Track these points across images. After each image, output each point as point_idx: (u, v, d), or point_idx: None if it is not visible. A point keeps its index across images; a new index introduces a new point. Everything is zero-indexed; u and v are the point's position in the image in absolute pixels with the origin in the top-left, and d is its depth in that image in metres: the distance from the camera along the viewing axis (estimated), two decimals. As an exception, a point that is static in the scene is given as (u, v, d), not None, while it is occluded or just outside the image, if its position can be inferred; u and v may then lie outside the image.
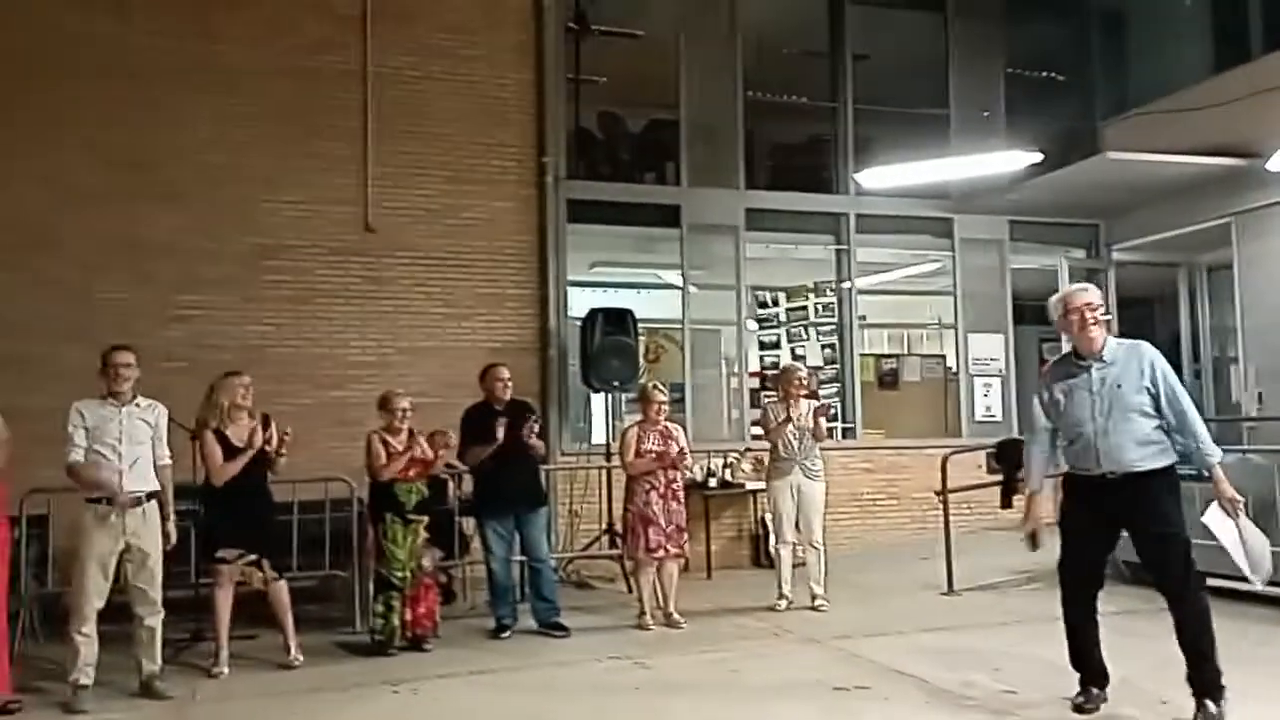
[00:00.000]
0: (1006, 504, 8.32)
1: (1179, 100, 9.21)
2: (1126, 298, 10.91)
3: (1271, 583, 6.46)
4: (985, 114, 10.74)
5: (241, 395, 5.75)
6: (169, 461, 5.45)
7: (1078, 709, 4.46)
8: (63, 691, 5.12)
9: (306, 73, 8.75)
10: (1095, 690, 4.50)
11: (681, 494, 6.80)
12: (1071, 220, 10.77)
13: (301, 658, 5.76)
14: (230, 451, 5.66)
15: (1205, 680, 4.16)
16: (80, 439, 5.13)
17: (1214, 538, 4.46)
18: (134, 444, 5.21)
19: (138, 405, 5.31)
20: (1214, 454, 4.27)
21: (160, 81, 8.36)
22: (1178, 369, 11.34)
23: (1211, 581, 6.98)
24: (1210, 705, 4.13)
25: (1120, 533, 4.46)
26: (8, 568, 5.12)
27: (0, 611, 4.97)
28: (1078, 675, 4.57)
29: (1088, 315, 4.27)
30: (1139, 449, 4.23)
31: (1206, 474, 4.33)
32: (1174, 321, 11.26)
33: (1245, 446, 7.72)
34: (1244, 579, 4.80)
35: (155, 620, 5.30)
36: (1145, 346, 4.40)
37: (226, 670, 5.59)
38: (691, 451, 9.15)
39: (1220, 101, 8.64)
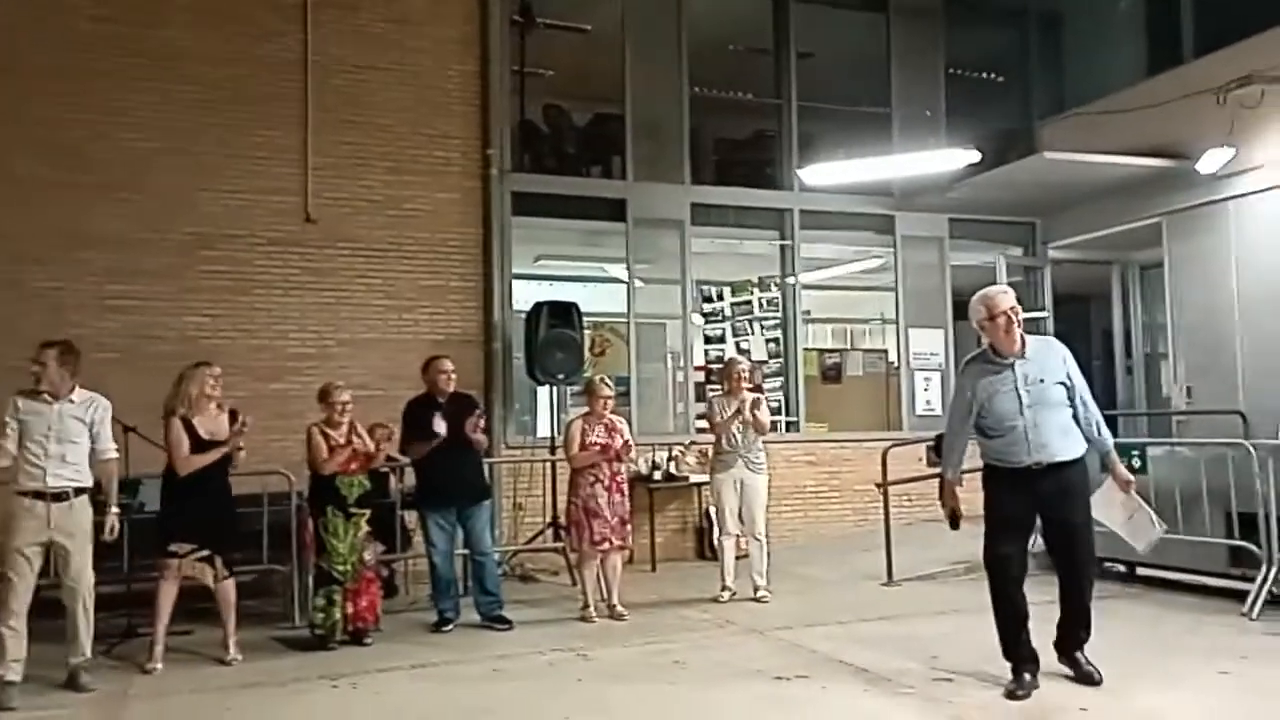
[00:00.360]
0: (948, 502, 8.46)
1: (1113, 102, 9.48)
2: (1062, 295, 11.18)
3: (1193, 571, 6.74)
4: (927, 113, 10.91)
5: (210, 385, 5.67)
6: (113, 455, 5.37)
7: (1011, 695, 4.56)
8: None
9: (248, 60, 8.59)
10: (1028, 676, 4.62)
11: (625, 487, 6.81)
12: (1009, 219, 10.98)
13: (240, 656, 5.66)
14: (197, 443, 5.57)
15: (1084, 639, 4.72)
16: (12, 431, 5.08)
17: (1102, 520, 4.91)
18: (63, 441, 5.13)
19: (72, 401, 5.22)
20: (1110, 439, 4.78)
21: (101, 67, 8.18)
22: (1111, 364, 11.75)
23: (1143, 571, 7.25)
24: (1085, 655, 4.71)
25: (1037, 520, 4.78)
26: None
27: None
28: (1009, 664, 4.68)
29: (1012, 318, 4.53)
30: (1062, 439, 4.58)
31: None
32: (1107, 318, 11.55)
33: (1174, 440, 7.94)
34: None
35: (81, 613, 5.17)
36: (1056, 343, 4.79)
37: (161, 665, 5.48)
38: (636, 444, 9.23)
39: (1153, 103, 8.91)
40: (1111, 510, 4.90)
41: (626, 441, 6.80)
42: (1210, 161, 8.64)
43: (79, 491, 5.18)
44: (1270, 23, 8.38)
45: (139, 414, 5.87)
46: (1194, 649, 5.34)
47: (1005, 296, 4.60)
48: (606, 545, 6.65)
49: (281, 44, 8.69)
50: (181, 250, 8.32)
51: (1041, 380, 4.55)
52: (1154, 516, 4.97)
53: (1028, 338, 4.64)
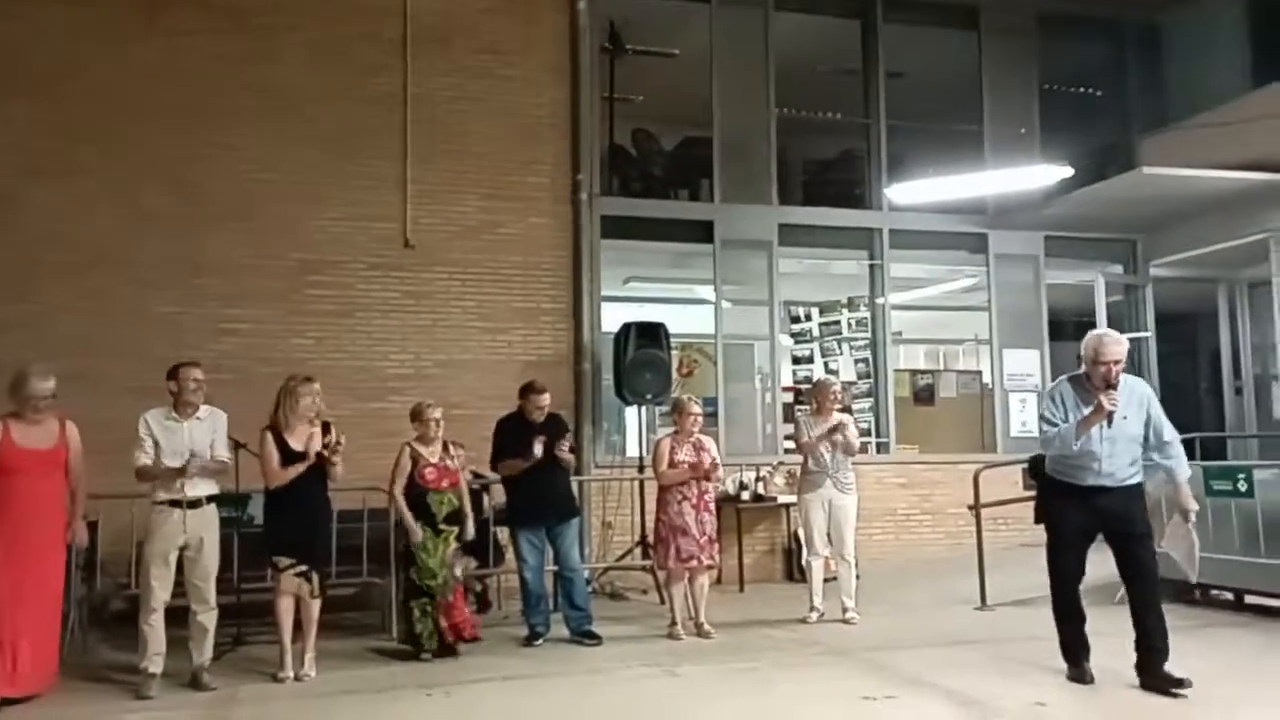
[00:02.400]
0: (1041, 519, 8.27)
1: (1216, 115, 9.20)
2: (1165, 314, 10.84)
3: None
4: (1022, 130, 10.74)
5: (308, 402, 5.84)
6: (225, 458, 5.73)
7: (1078, 679, 5.14)
8: (108, 688, 5.38)
9: (353, 94, 8.98)
10: (1088, 664, 5.19)
11: (713, 505, 6.86)
12: (1108, 236, 10.72)
13: (313, 672, 5.74)
14: (289, 457, 5.77)
15: (1164, 653, 4.98)
16: (149, 447, 5.50)
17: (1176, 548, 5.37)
18: (196, 455, 5.54)
19: (199, 419, 5.64)
20: (1186, 471, 5.27)
21: (218, 104, 8.65)
22: (1218, 386, 11.31)
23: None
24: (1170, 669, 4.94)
25: (1098, 533, 5.17)
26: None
27: (56, 610, 5.29)
28: (1068, 658, 5.26)
29: (1114, 370, 4.94)
30: (1130, 468, 5.09)
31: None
32: (1214, 338, 11.14)
33: (1284, 462, 7.65)
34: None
35: (207, 616, 5.58)
36: (1142, 384, 5.23)
37: (291, 674, 5.67)
38: (724, 464, 9.28)
39: (1257, 116, 8.62)
40: (1177, 541, 5.34)
41: (714, 460, 6.86)
42: (1321, 174, 8.34)
43: (210, 499, 5.60)
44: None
45: (250, 433, 6.14)
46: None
47: (1118, 348, 4.99)
48: (694, 563, 6.69)
49: (383, 78, 9.06)
50: (289, 276, 8.72)
51: (1125, 418, 4.98)
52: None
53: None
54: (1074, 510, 5.12)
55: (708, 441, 6.96)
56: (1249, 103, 9.00)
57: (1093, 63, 11.44)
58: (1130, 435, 5.03)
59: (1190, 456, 9.00)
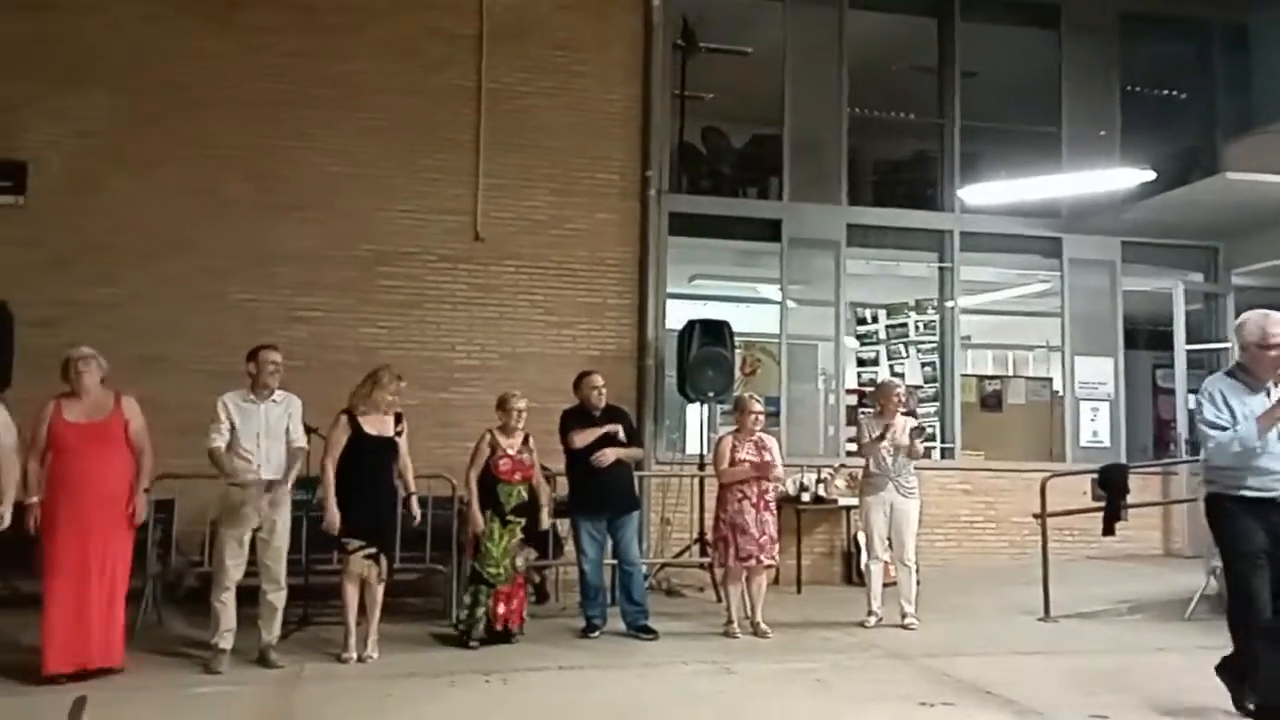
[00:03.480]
0: (1109, 531, 8.10)
1: (1306, 119, 8.89)
2: (1247, 324, 10.48)
3: None
4: (1101, 132, 10.50)
5: (392, 391, 6.04)
6: (303, 444, 5.88)
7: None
8: (180, 662, 5.61)
9: (426, 88, 9.14)
10: None
11: (773, 505, 6.84)
12: (1189, 242, 10.43)
13: (375, 654, 5.87)
14: (364, 440, 5.92)
15: None
16: (224, 429, 5.66)
17: None
18: (272, 439, 5.72)
19: (274, 401, 5.79)
20: None
21: (294, 97, 8.88)
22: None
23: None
24: None
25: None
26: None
27: (120, 584, 5.41)
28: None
29: None
30: None
31: None
32: (1297, 349, 10.75)
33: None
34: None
35: (277, 596, 5.76)
36: None
37: (354, 655, 5.81)
38: (785, 465, 9.24)
39: (1350, 121, 8.32)
40: None
41: (773, 460, 6.83)
42: None
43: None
44: None
45: (321, 418, 6.30)
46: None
47: None
48: (753, 561, 6.69)
49: (456, 73, 9.20)
50: (361, 266, 8.92)
51: None
52: None
53: None
54: (1251, 526, 4.46)
55: (770, 441, 6.95)
56: (1341, 107, 8.69)
57: (1177, 63, 11.13)
58: None
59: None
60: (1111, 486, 8.10)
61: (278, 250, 8.74)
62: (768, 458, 6.78)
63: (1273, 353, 4.36)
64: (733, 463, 6.76)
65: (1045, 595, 7.45)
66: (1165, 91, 11.11)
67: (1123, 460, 9.41)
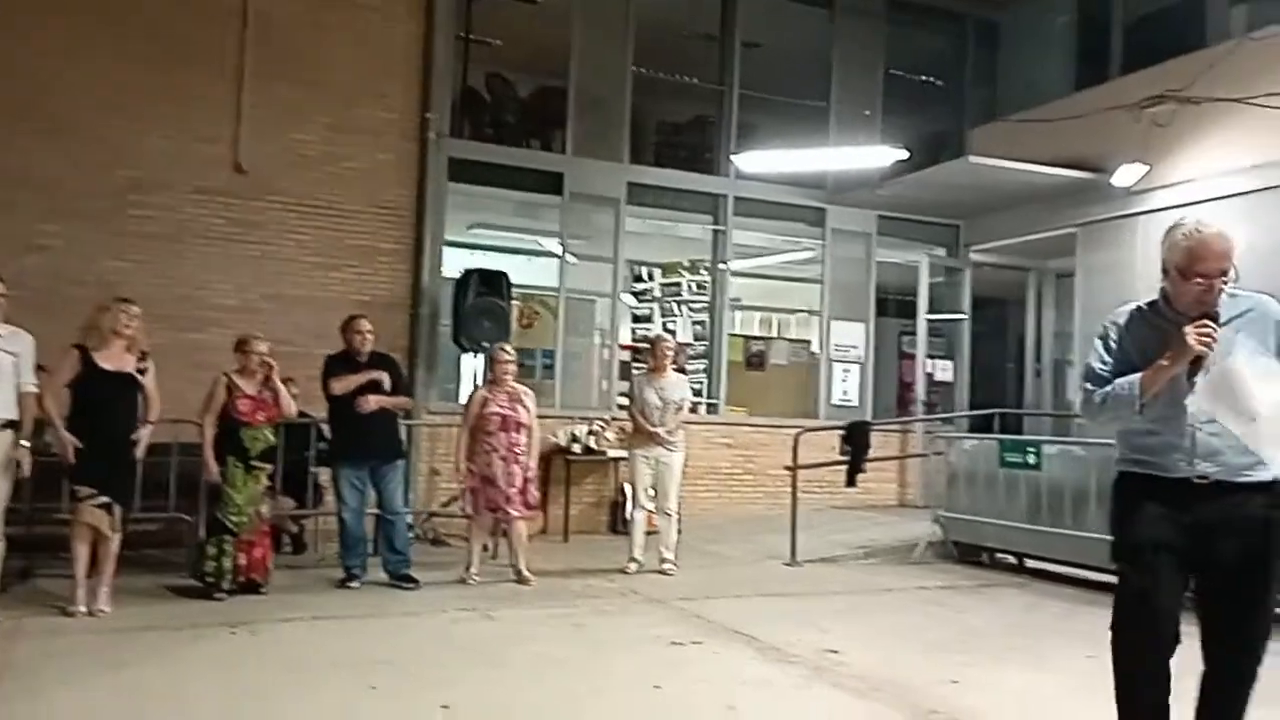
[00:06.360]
0: (851, 483, 8.77)
1: (1040, 112, 9.80)
2: (981, 297, 11.53)
3: (1074, 564, 7.08)
4: (866, 112, 11.13)
5: (124, 322, 5.59)
6: (33, 389, 5.35)
7: None
8: None
9: (187, 7, 8.47)
10: None
11: (524, 457, 6.83)
12: (936, 220, 11.27)
13: (108, 608, 5.51)
14: (99, 376, 5.47)
15: None
16: None
17: None
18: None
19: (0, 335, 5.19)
20: None
21: (43, 9, 8.03)
22: (1021, 367, 12.12)
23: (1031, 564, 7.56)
24: None
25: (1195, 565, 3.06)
26: None
27: None
28: None
29: (1215, 287, 2.95)
30: (1248, 454, 3.03)
31: None
32: (1021, 323, 11.94)
33: (1070, 439, 8.26)
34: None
35: None
36: (1269, 304, 3.08)
37: (83, 608, 5.41)
38: (558, 417, 9.35)
39: (1075, 116, 9.24)
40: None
41: (528, 409, 6.83)
42: (1124, 176, 9.01)
43: (8, 424, 5.20)
44: (1189, 47, 8.77)
45: (54, 357, 5.77)
46: (1064, 634, 5.61)
47: (1223, 245, 2.93)
48: (500, 512, 6.75)
49: (224, -7, 8.57)
50: (112, 194, 8.20)
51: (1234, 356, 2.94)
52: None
53: (1226, 292, 2.99)
54: (1154, 517, 2.98)
55: (525, 393, 6.98)
56: (1069, 104, 9.63)
57: (936, 52, 11.95)
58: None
59: (989, 431, 9.77)
60: (855, 442, 8.77)
61: (18, 173, 7.87)
62: (521, 411, 6.80)
63: (1196, 285, 2.94)
64: (482, 416, 6.74)
65: (793, 542, 7.96)
66: (924, 78, 11.90)
67: (867, 418, 10.13)
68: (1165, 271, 3.06)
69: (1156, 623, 2.94)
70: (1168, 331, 2.99)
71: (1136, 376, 2.98)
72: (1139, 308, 3.18)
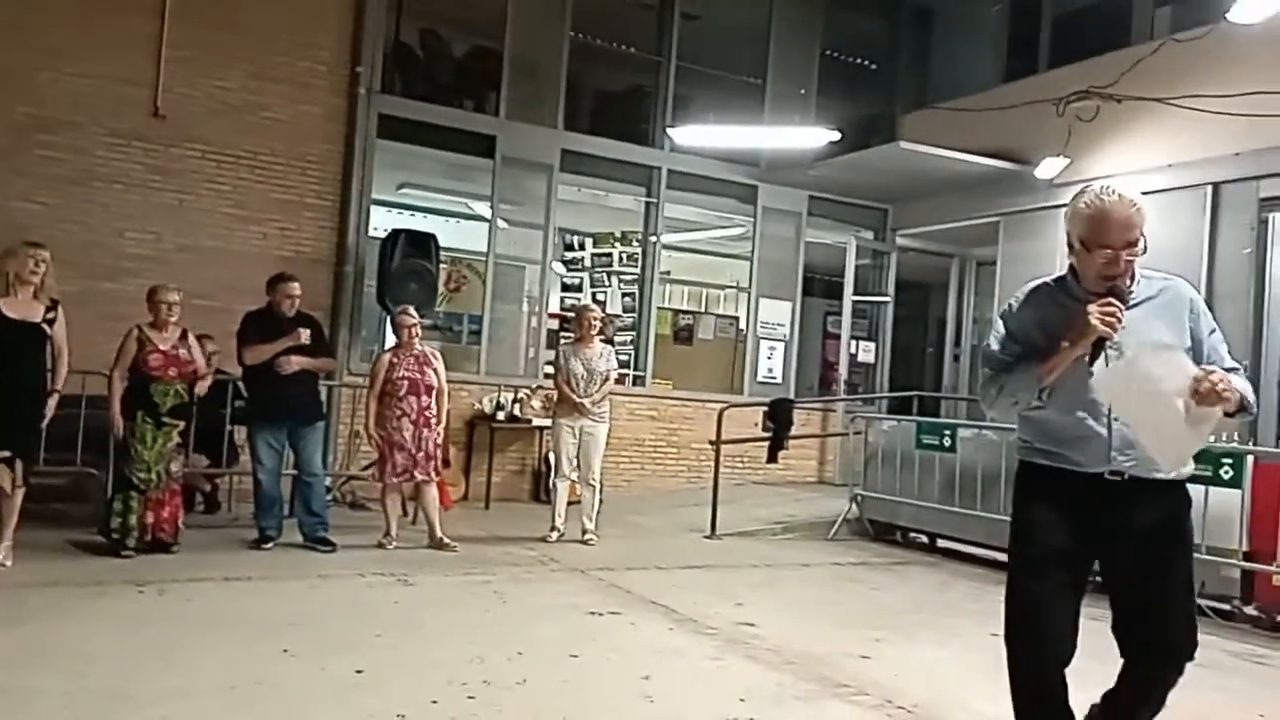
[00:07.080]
0: (772, 459, 8.89)
1: (970, 102, 9.98)
2: (905, 281, 11.74)
3: (985, 545, 7.28)
4: (801, 91, 11.19)
5: (31, 268, 5.35)
6: None
7: None
8: None
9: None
10: None
11: (435, 421, 6.77)
12: (865, 203, 11.41)
13: (9, 562, 5.35)
14: (3, 324, 5.25)
15: None
16: None
17: None
18: None
19: None
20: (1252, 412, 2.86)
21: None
22: (941, 351, 12.38)
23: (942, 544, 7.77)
24: None
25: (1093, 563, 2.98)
26: None
27: None
28: None
29: (1122, 260, 2.69)
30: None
31: None
32: (943, 308, 12.20)
33: (985, 423, 8.48)
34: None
35: None
36: (1181, 287, 2.88)
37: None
38: (483, 384, 9.28)
39: (1003, 107, 9.43)
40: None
41: (437, 371, 6.76)
42: (1047, 169, 9.24)
43: None
44: (1115, 44, 9.00)
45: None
46: (972, 612, 5.79)
47: (1131, 214, 2.65)
48: (408, 476, 6.69)
49: (144, -75, 8.19)
50: (16, 132, 7.82)
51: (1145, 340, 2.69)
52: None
53: (1140, 274, 2.78)
54: (1056, 522, 2.77)
55: (434, 357, 6.90)
56: (998, 95, 9.81)
57: (871, 35, 12.05)
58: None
59: (907, 412, 9.98)
60: (778, 419, 8.88)
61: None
62: (430, 374, 6.73)
63: (1100, 258, 2.67)
64: (390, 381, 6.65)
65: (713, 515, 8.05)
66: (858, 60, 12.00)
67: (791, 396, 10.27)
68: (1070, 246, 2.78)
69: (1048, 638, 2.76)
70: (1073, 310, 2.71)
71: (1032, 364, 2.74)
72: (1045, 284, 2.91)
